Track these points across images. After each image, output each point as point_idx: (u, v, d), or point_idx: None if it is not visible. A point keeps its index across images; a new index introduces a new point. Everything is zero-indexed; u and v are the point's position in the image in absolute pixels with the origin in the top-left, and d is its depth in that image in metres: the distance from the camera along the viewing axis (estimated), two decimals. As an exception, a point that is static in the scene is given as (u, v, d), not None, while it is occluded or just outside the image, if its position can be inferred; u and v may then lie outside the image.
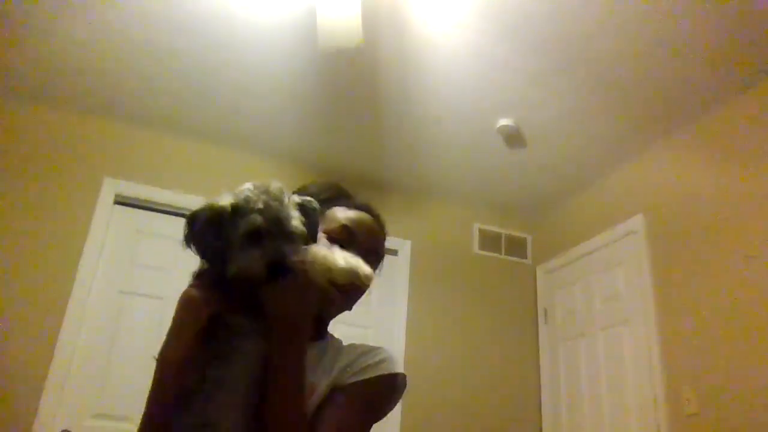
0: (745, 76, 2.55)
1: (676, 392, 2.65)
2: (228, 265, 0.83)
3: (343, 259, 0.86)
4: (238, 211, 0.84)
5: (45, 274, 2.86)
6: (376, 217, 1.12)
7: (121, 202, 3.15)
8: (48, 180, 3.02)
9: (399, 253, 3.59)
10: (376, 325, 3.41)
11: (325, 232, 1.00)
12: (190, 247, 0.87)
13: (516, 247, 3.91)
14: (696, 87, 2.65)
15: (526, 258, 3.91)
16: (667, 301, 2.81)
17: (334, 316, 1.06)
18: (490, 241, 3.86)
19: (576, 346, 3.38)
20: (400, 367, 1.00)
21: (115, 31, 2.58)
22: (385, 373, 0.97)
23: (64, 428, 2.64)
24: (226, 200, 0.86)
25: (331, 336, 1.09)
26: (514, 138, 3.11)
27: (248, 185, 0.87)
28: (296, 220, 0.85)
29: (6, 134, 3.01)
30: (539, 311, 3.73)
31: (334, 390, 0.94)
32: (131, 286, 3.04)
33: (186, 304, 0.83)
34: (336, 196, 1.12)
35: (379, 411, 0.98)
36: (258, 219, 0.82)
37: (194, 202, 3.71)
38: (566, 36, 2.43)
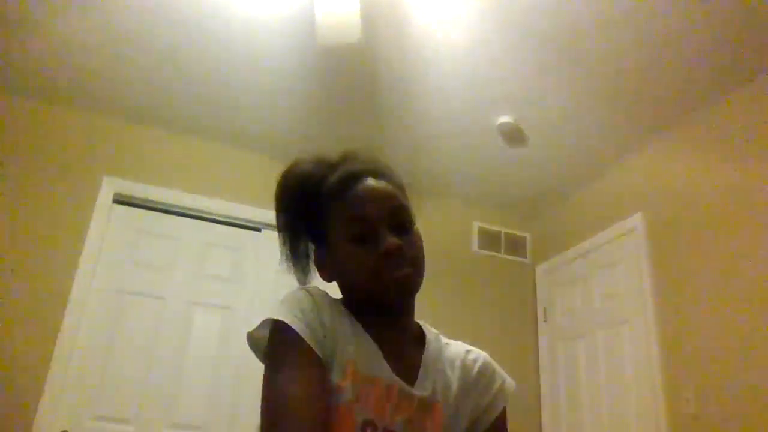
0: (745, 73, 2.55)
1: (675, 391, 2.65)
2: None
3: None
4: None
5: (44, 273, 2.85)
6: (380, 173, 0.94)
7: (121, 200, 3.13)
8: (47, 178, 3.00)
9: (398, 251, 3.58)
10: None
11: (345, 237, 0.85)
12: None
13: (515, 245, 3.90)
14: (696, 84, 2.65)
15: (526, 257, 3.91)
16: (666, 299, 2.81)
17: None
18: (489, 239, 3.85)
19: (575, 345, 3.38)
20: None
21: (113, 30, 2.57)
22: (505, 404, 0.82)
23: (63, 430, 2.63)
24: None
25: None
26: (514, 136, 3.11)
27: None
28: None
29: (5, 132, 3.00)
30: (539, 310, 3.73)
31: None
32: (131, 285, 3.02)
33: None
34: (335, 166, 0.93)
35: None
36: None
37: (194, 200, 3.67)
38: (566, 33, 2.43)
